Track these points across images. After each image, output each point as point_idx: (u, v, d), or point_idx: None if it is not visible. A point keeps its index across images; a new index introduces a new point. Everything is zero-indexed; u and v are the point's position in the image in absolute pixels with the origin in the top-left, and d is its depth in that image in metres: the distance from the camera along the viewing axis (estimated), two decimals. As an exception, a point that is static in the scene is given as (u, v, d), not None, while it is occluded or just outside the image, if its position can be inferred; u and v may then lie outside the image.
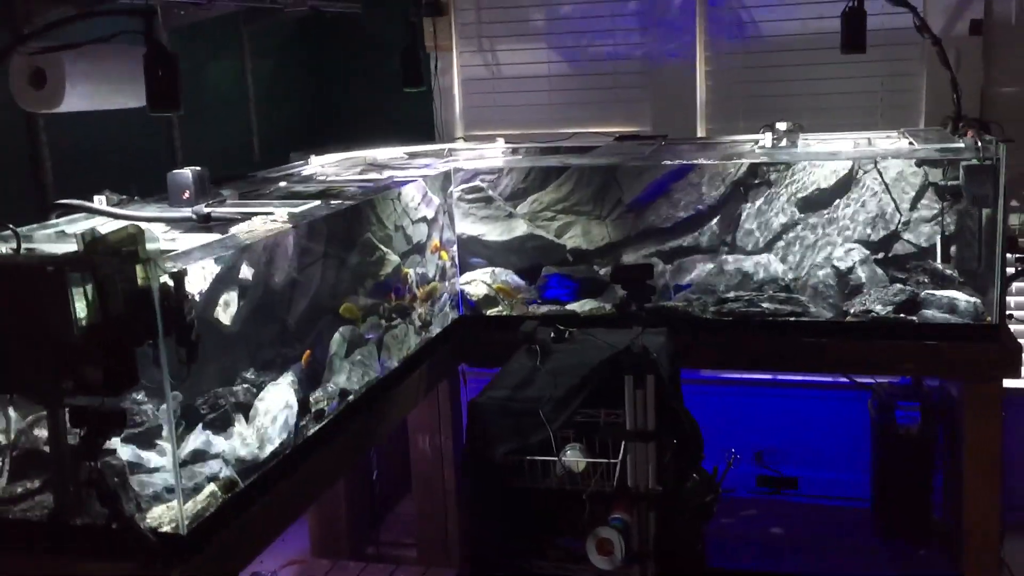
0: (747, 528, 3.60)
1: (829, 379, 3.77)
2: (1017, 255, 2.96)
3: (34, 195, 2.60)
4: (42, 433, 1.96)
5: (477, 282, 3.37)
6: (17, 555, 1.86)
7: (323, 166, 3.33)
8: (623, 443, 2.23)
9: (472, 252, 3.45)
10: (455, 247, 3.36)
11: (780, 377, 3.92)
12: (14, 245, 1.95)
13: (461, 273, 3.39)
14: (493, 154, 3.57)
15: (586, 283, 3.36)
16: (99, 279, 1.62)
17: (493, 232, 3.50)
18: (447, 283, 3.27)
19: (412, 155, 3.58)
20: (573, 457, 2.24)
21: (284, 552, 3.54)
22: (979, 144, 2.87)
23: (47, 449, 1.93)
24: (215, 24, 3.39)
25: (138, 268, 1.68)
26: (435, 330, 3.11)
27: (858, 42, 3.02)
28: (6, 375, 1.75)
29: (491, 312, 3.31)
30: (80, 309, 1.64)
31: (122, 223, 1.86)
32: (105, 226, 2.09)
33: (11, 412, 1.95)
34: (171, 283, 1.74)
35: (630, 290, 2.46)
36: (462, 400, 3.33)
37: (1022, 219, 3.00)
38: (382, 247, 2.81)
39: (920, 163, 3.12)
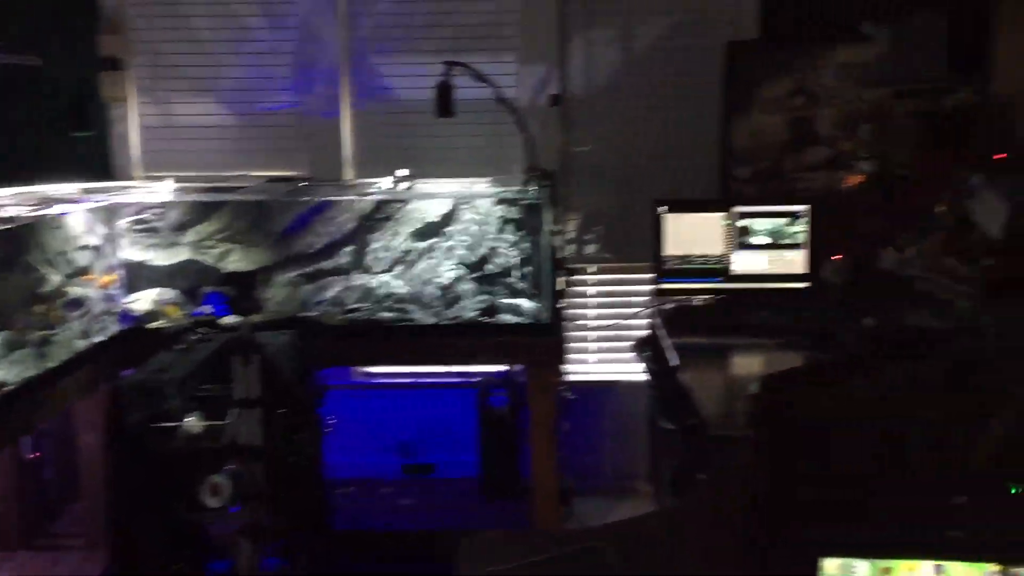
0: (383, 502, 4.35)
1: (457, 379, 4.62)
2: (564, 271, 3.94)
3: None
4: None
5: (142, 300, 3.91)
6: None
7: (-3, 199, 3.76)
8: (232, 409, 2.89)
9: (140, 276, 4.00)
10: (121, 271, 3.89)
11: (421, 380, 4.74)
12: None
13: (128, 293, 3.92)
14: (161, 191, 4.14)
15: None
16: None
17: (159, 258, 4.07)
18: (112, 302, 3.79)
19: (87, 191, 4.07)
20: (191, 421, 2.86)
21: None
22: (532, 188, 3.82)
23: None
24: None
25: None
26: (98, 339, 3.62)
27: (448, 109, 3.90)
28: None
29: (153, 325, 3.86)
30: None
31: None
32: None
33: None
34: None
35: (238, 292, 3.11)
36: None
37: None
38: (43, 268, 3.31)
39: (499, 202, 4.05)
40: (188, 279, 4.08)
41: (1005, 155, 2.10)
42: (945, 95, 2.39)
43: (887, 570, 1.07)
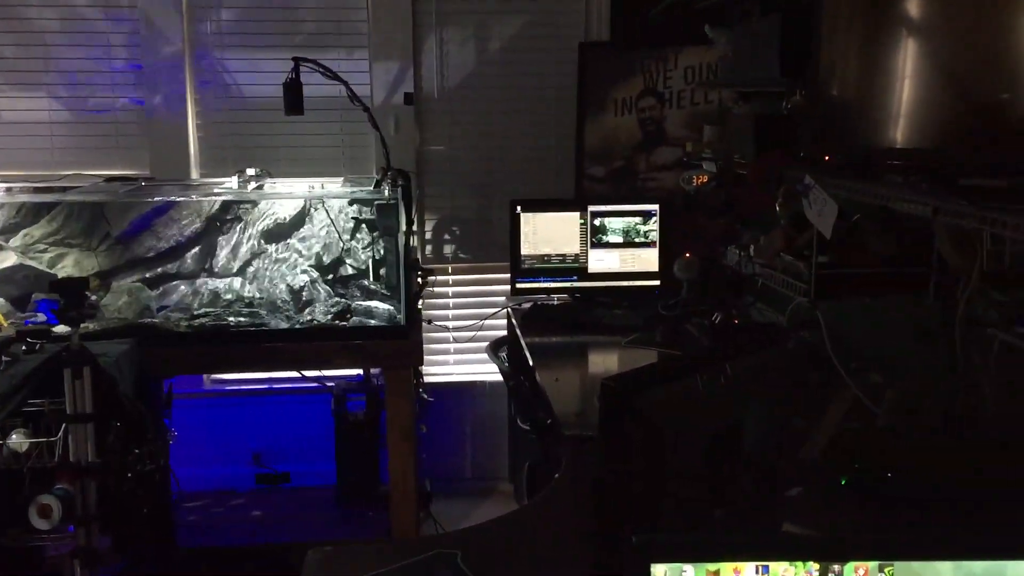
0: (235, 515, 4.18)
1: (314, 385, 4.49)
2: (420, 272, 3.89)
3: None
4: None
5: (-36, 309, 3.63)
6: None
7: None
8: (64, 424, 2.70)
9: (-38, 282, 3.70)
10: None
11: (275, 387, 4.58)
12: None
13: (-51, 302, 3.63)
14: (-16, 192, 3.85)
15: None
16: None
17: (-18, 263, 3.78)
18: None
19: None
20: (17, 439, 2.66)
21: None
22: (386, 188, 3.75)
23: None
24: None
25: None
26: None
27: (297, 106, 3.78)
28: None
29: (-23, 335, 3.58)
30: None
31: None
32: None
33: None
34: None
35: (67, 300, 2.92)
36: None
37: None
38: None
39: (352, 202, 3.96)
40: (17, 286, 3.81)
41: (828, 157, 2.19)
42: (781, 98, 2.47)
43: (716, 572, 1.08)
